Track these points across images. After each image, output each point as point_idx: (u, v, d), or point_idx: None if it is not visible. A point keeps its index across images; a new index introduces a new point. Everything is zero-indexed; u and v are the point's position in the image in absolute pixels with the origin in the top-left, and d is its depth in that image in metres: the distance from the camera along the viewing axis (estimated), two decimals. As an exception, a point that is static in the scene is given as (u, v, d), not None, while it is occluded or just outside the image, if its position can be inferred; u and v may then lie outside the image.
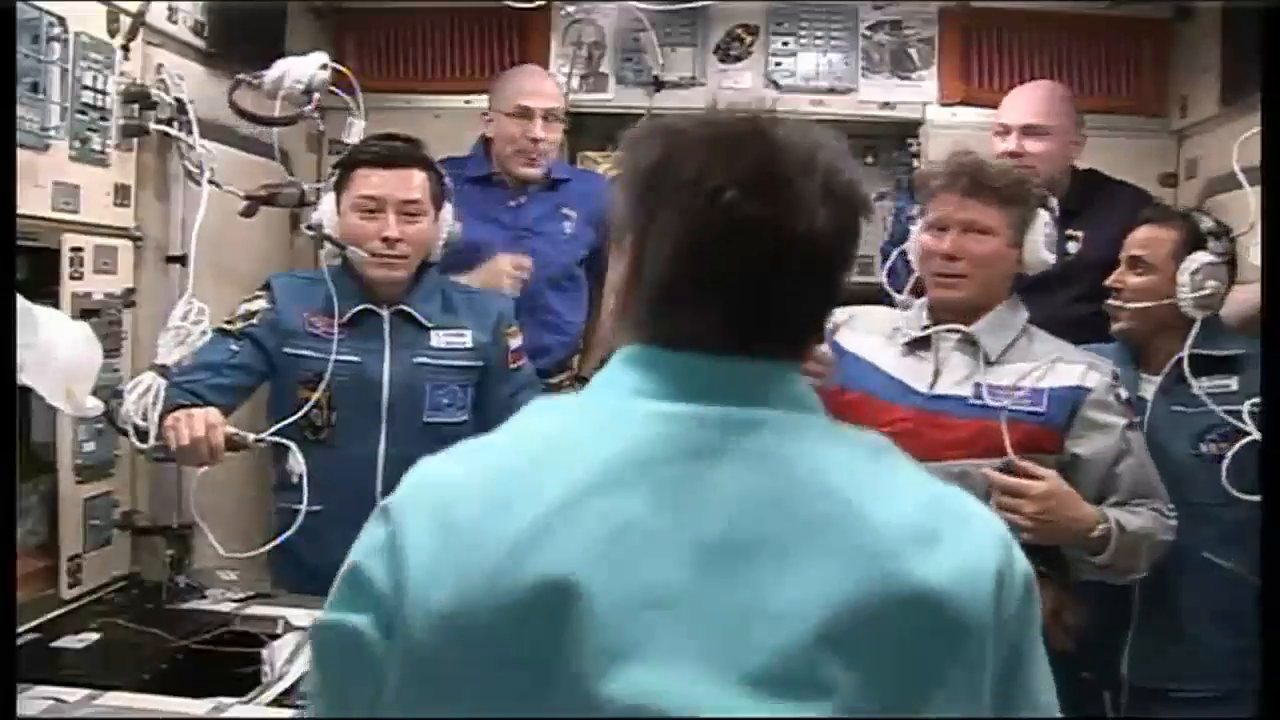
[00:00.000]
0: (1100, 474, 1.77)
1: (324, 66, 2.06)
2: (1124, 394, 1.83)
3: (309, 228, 2.07)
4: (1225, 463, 1.86)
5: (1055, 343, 1.86)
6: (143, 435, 1.75)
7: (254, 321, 2.02)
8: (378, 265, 2.03)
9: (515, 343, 2.17)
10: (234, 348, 1.98)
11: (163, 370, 1.80)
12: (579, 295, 2.64)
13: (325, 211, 2.06)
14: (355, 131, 2.11)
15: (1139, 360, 2.07)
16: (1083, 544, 1.71)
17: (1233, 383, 1.95)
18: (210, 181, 2.03)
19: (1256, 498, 1.72)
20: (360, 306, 2.05)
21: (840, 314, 1.93)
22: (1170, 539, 1.77)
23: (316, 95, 2.07)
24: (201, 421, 1.71)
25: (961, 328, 1.81)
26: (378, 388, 2.03)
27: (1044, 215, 1.83)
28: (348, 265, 2.07)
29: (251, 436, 1.80)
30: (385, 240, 2.01)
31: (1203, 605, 1.96)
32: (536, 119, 2.48)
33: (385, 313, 2.07)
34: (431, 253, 2.12)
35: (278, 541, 1.92)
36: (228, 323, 2.00)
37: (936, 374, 1.81)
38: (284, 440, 1.84)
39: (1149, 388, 2.03)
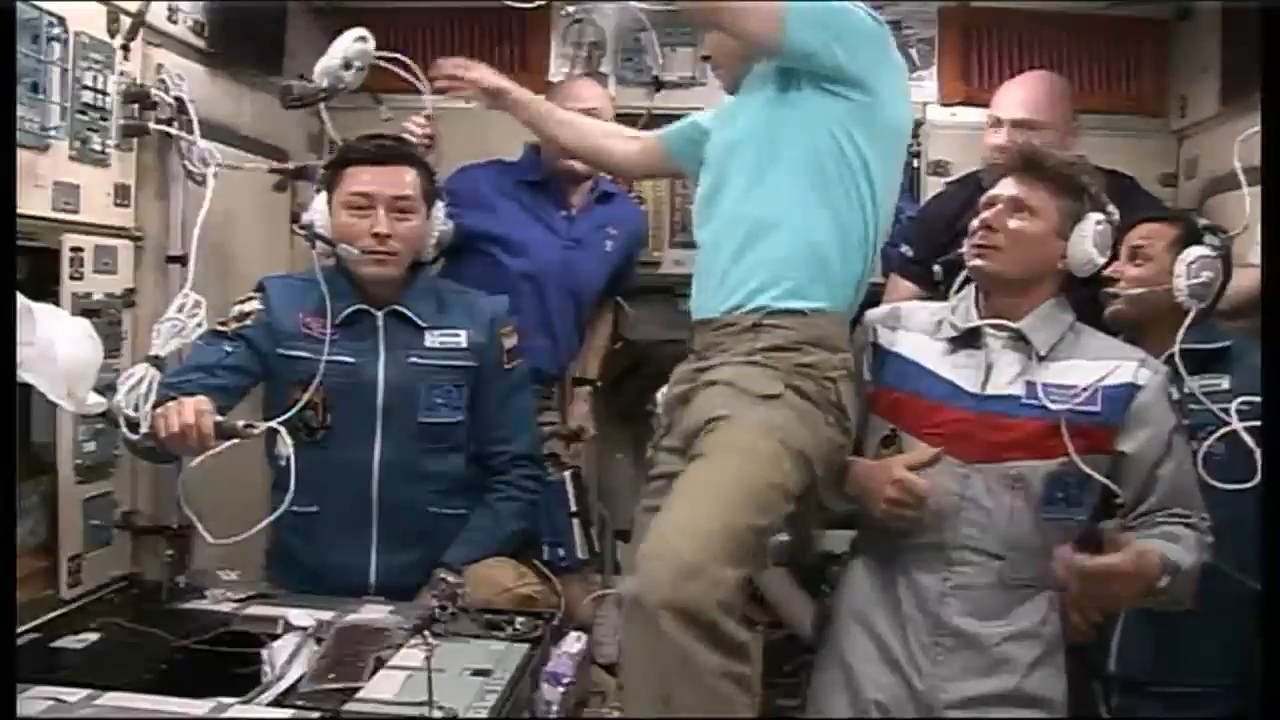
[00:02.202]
0: (1142, 474, 1.74)
1: (362, 39, 2.06)
2: (1174, 394, 1.81)
3: (301, 227, 2.06)
4: (1202, 457, 1.85)
5: (1104, 339, 1.85)
6: (134, 426, 1.72)
7: (248, 323, 2.02)
8: (370, 263, 2.03)
9: (510, 342, 2.17)
10: (228, 349, 1.98)
11: (156, 362, 1.78)
12: (588, 312, 2.67)
13: (317, 211, 2.06)
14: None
15: None
16: (1151, 595, 1.66)
17: (1224, 381, 1.95)
18: (218, 170, 2.03)
19: (1239, 486, 1.75)
20: (354, 307, 2.05)
21: (877, 312, 1.93)
22: (1207, 559, 1.73)
23: (355, 68, 2.07)
24: (190, 409, 1.70)
25: (1009, 324, 1.79)
26: (372, 388, 2.03)
27: (1098, 217, 1.80)
28: (341, 266, 2.06)
29: (241, 423, 1.77)
30: (376, 236, 2.01)
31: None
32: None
33: (379, 313, 2.06)
34: (424, 251, 2.12)
35: (258, 527, 1.87)
36: (221, 324, 2.00)
37: (987, 373, 1.78)
38: (273, 425, 1.81)
39: None
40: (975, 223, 1.84)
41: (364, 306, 2.06)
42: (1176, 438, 1.77)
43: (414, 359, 2.06)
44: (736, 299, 1.78)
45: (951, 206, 2.63)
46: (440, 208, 2.13)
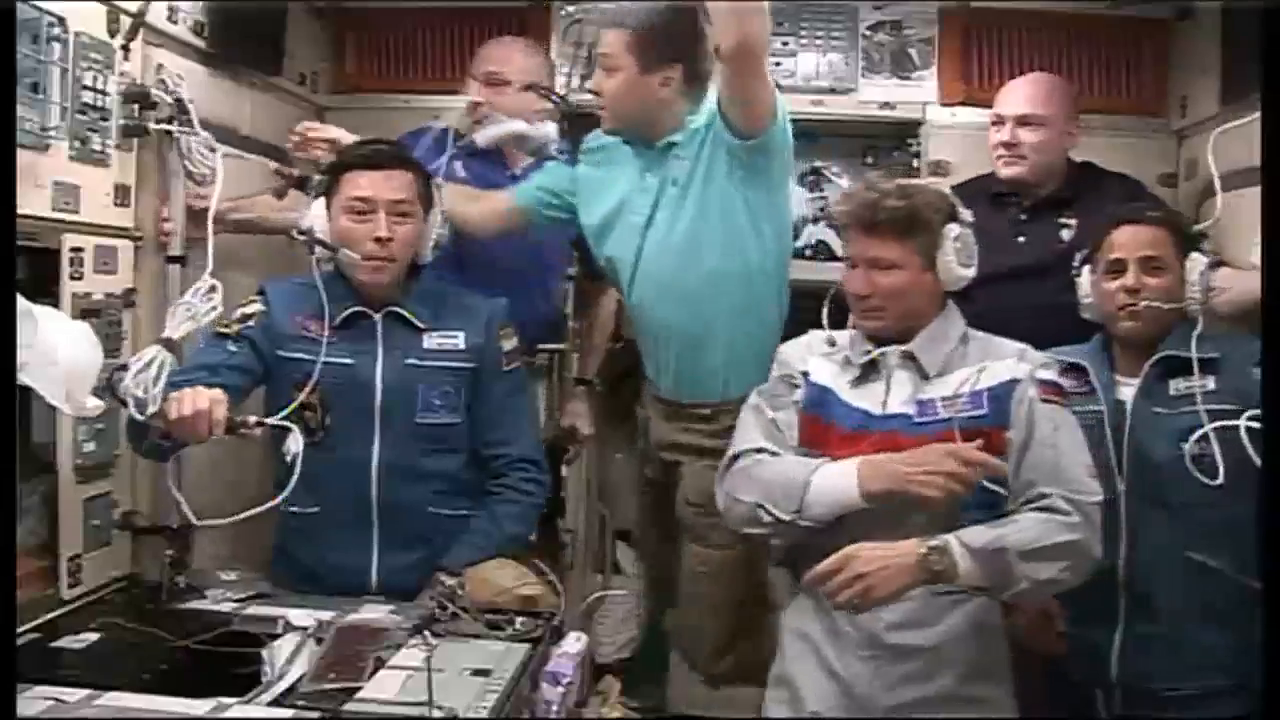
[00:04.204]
0: (1015, 457, 1.73)
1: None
2: (1047, 376, 1.80)
3: (300, 233, 2.06)
4: (1186, 456, 1.87)
5: (987, 342, 1.86)
6: (142, 407, 1.71)
7: (250, 324, 2.03)
8: (370, 269, 2.03)
9: (509, 344, 2.17)
10: (231, 349, 1.99)
11: (169, 344, 1.77)
12: (557, 276, 2.68)
13: (315, 216, 2.06)
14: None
15: (1112, 362, 2.07)
16: (931, 579, 1.63)
17: (1210, 382, 1.95)
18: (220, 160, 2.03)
19: (1217, 482, 1.78)
20: (352, 309, 2.05)
21: (796, 344, 1.95)
22: (1074, 538, 1.66)
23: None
24: (206, 397, 1.70)
25: (900, 348, 1.81)
26: (370, 390, 2.03)
27: (954, 230, 1.80)
28: (340, 268, 2.07)
29: (253, 419, 1.78)
30: (378, 241, 2.01)
31: (1188, 604, 1.96)
32: (474, 82, 2.53)
33: (377, 315, 2.07)
34: (422, 254, 2.12)
35: (244, 515, 1.84)
36: (224, 326, 2.00)
37: (886, 394, 1.81)
38: (285, 424, 1.80)
39: (1126, 390, 2.02)
40: (846, 282, 1.84)
41: (362, 308, 2.06)
42: (1041, 416, 1.75)
43: (412, 361, 2.06)
44: (694, 391, 2.21)
45: None
46: (437, 211, 2.13)
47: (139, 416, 1.71)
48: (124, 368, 1.72)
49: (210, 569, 2.01)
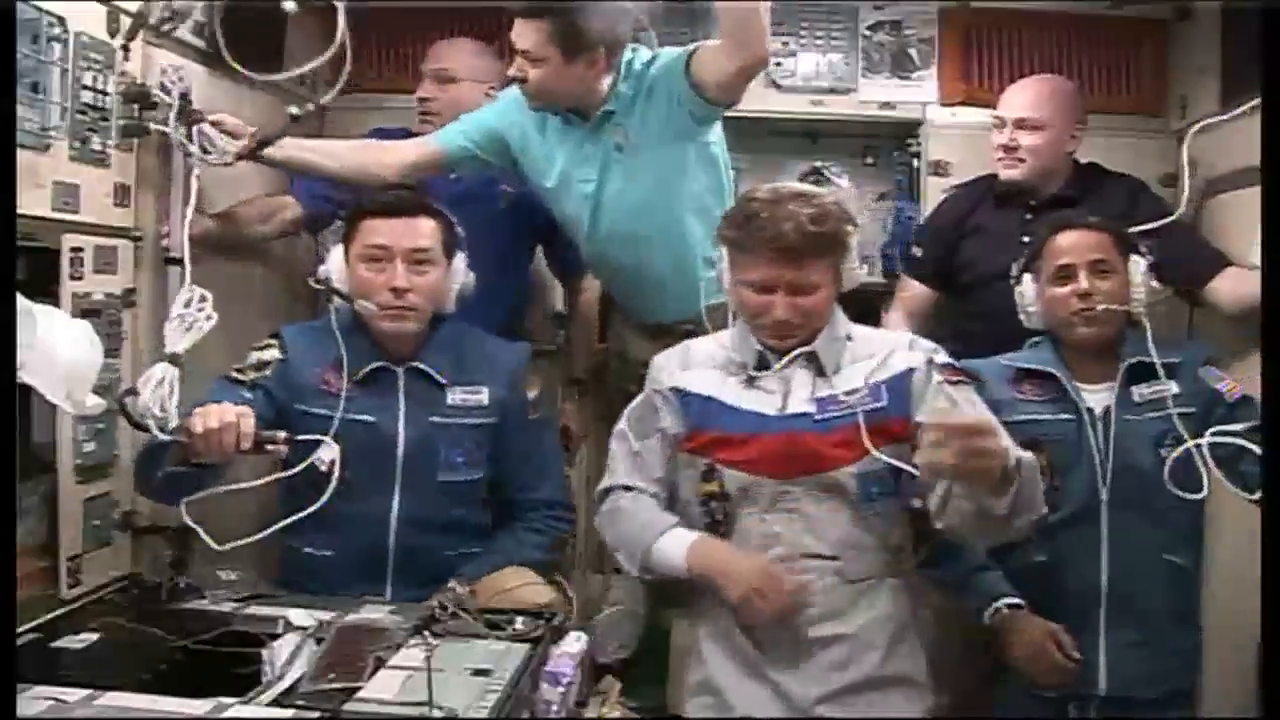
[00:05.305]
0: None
1: None
2: (942, 359, 1.83)
3: (317, 281, 2.04)
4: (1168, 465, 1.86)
5: (870, 335, 1.90)
6: (162, 425, 1.69)
7: (266, 373, 1.99)
8: (387, 318, 2.00)
9: (533, 393, 2.17)
10: (246, 395, 1.93)
11: (173, 359, 1.75)
12: (510, 276, 2.61)
13: (334, 264, 2.04)
14: None
15: (1068, 367, 2.07)
16: (994, 485, 1.58)
17: (1171, 386, 1.96)
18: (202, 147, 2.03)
19: (1198, 495, 1.80)
20: (375, 365, 2.02)
21: (670, 356, 1.95)
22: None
23: None
24: (232, 410, 1.68)
25: (801, 350, 1.83)
26: (392, 448, 2.00)
27: (852, 235, 1.83)
28: (359, 319, 2.03)
29: (281, 434, 1.75)
30: (394, 291, 1.98)
31: (1167, 607, 1.99)
32: (425, 79, 2.59)
33: (400, 370, 2.04)
34: (444, 304, 2.08)
35: (267, 532, 1.87)
36: (239, 371, 1.98)
37: (786, 395, 1.82)
38: (316, 438, 1.80)
39: (1089, 397, 2.03)
40: (758, 307, 1.81)
41: (384, 364, 2.03)
42: (954, 395, 1.77)
43: (435, 418, 2.03)
44: (676, 311, 2.31)
45: (960, 209, 2.65)
46: (461, 258, 2.09)
47: (161, 435, 1.69)
48: (133, 391, 1.70)
49: (210, 569, 2.01)
